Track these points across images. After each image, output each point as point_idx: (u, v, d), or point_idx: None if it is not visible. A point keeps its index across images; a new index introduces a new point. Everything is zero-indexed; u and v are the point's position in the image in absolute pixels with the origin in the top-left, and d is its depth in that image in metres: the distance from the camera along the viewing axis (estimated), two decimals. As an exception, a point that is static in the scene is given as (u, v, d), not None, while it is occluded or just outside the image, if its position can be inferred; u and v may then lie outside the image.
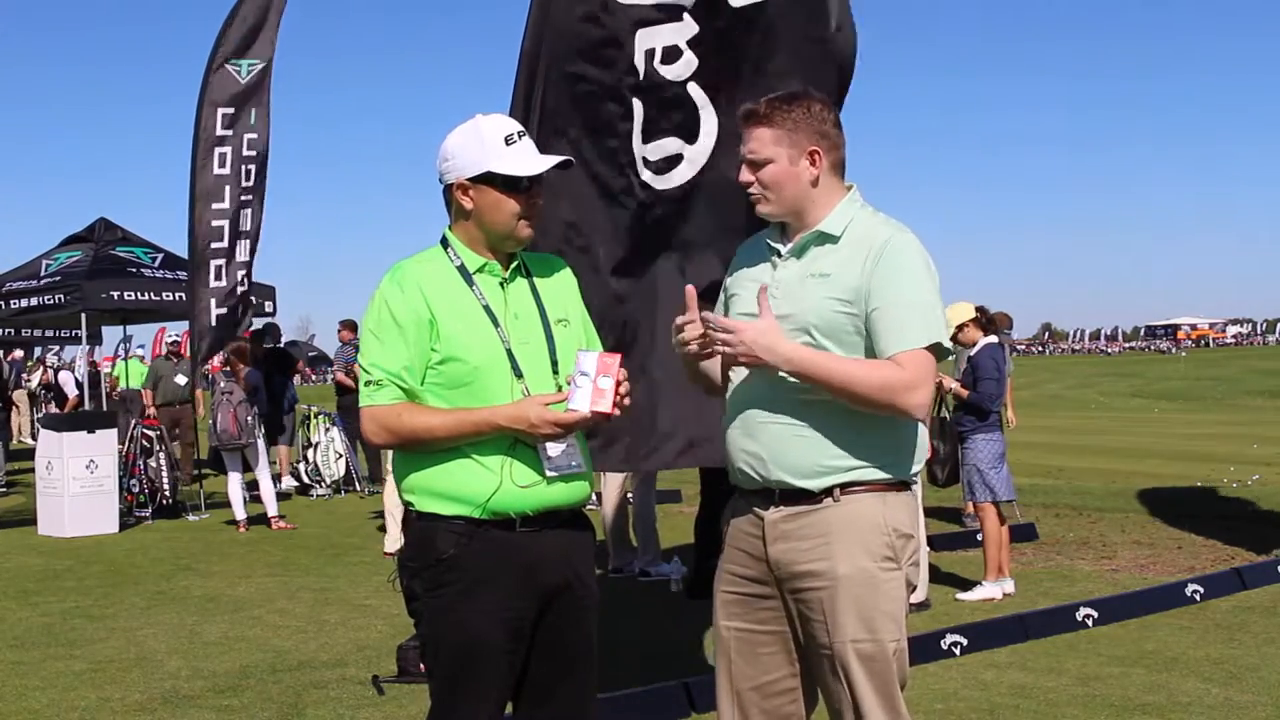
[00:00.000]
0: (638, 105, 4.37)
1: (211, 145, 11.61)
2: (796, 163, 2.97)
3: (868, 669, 2.89)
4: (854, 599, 2.89)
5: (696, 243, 4.39)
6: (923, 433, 3.08)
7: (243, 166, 11.76)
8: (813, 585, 2.93)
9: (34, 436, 19.55)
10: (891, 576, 2.93)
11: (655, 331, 4.35)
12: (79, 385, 18.42)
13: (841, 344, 2.92)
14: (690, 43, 4.38)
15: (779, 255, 3.05)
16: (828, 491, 2.94)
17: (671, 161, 4.39)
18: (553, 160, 3.01)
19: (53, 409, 18.27)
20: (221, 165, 11.64)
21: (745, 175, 3.04)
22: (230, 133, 11.66)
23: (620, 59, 4.33)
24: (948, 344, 2.96)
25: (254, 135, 11.77)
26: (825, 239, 2.99)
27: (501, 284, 3.01)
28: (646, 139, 4.40)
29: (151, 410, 13.65)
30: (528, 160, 2.95)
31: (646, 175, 4.40)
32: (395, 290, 2.94)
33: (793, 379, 2.92)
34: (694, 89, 4.41)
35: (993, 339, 7.80)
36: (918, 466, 3.07)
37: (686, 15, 4.37)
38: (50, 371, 20.59)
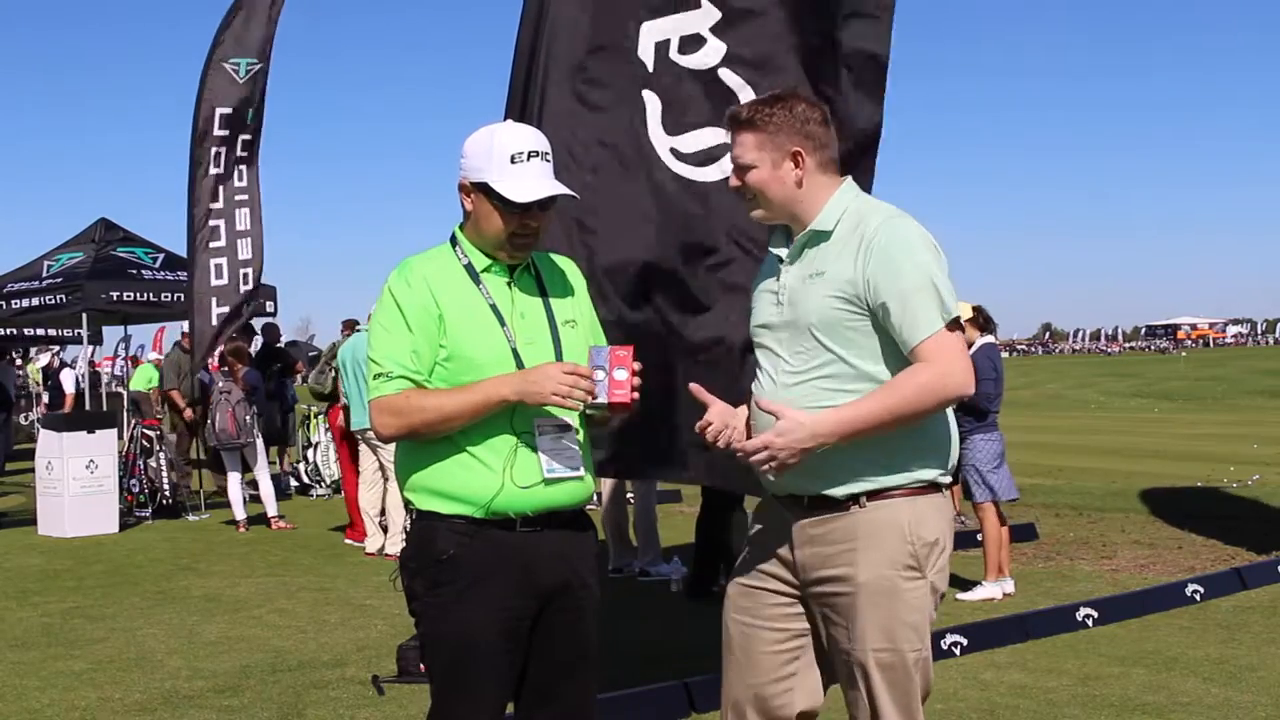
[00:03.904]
0: (650, 97, 4.32)
1: (209, 144, 11.61)
2: (779, 166, 2.96)
3: (887, 678, 2.88)
4: (875, 607, 2.88)
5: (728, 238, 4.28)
6: (954, 430, 3.04)
7: (238, 166, 11.75)
8: (836, 590, 2.93)
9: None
10: (914, 585, 2.91)
11: (667, 337, 4.29)
12: (78, 383, 18.33)
13: (840, 339, 2.90)
14: (714, 29, 4.33)
15: (781, 261, 3.04)
16: (854, 498, 2.92)
17: (713, 153, 4.29)
18: (548, 191, 2.92)
19: (46, 402, 18.16)
20: (218, 164, 11.63)
21: (734, 180, 3.05)
22: (227, 132, 11.65)
23: (621, 52, 4.29)
24: (957, 311, 2.90)
25: (248, 136, 11.77)
26: (819, 237, 2.98)
27: (509, 284, 3.00)
28: (673, 131, 4.33)
29: (186, 410, 13.19)
30: (525, 184, 2.90)
31: (681, 168, 4.32)
32: (403, 285, 2.93)
33: (813, 386, 2.91)
34: (727, 75, 4.34)
35: (990, 339, 7.79)
36: (949, 464, 3.01)
37: (705, 2, 4.33)
38: (57, 360, 20.46)
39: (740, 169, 3.01)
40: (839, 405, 2.87)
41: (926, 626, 2.94)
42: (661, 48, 4.32)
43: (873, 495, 2.92)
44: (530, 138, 2.99)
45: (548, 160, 2.96)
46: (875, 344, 2.90)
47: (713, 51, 4.33)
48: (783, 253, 3.05)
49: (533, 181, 2.91)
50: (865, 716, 2.92)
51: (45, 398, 18.41)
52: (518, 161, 2.90)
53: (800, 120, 2.96)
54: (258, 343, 15.03)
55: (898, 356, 2.90)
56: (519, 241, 2.95)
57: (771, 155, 2.96)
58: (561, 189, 2.98)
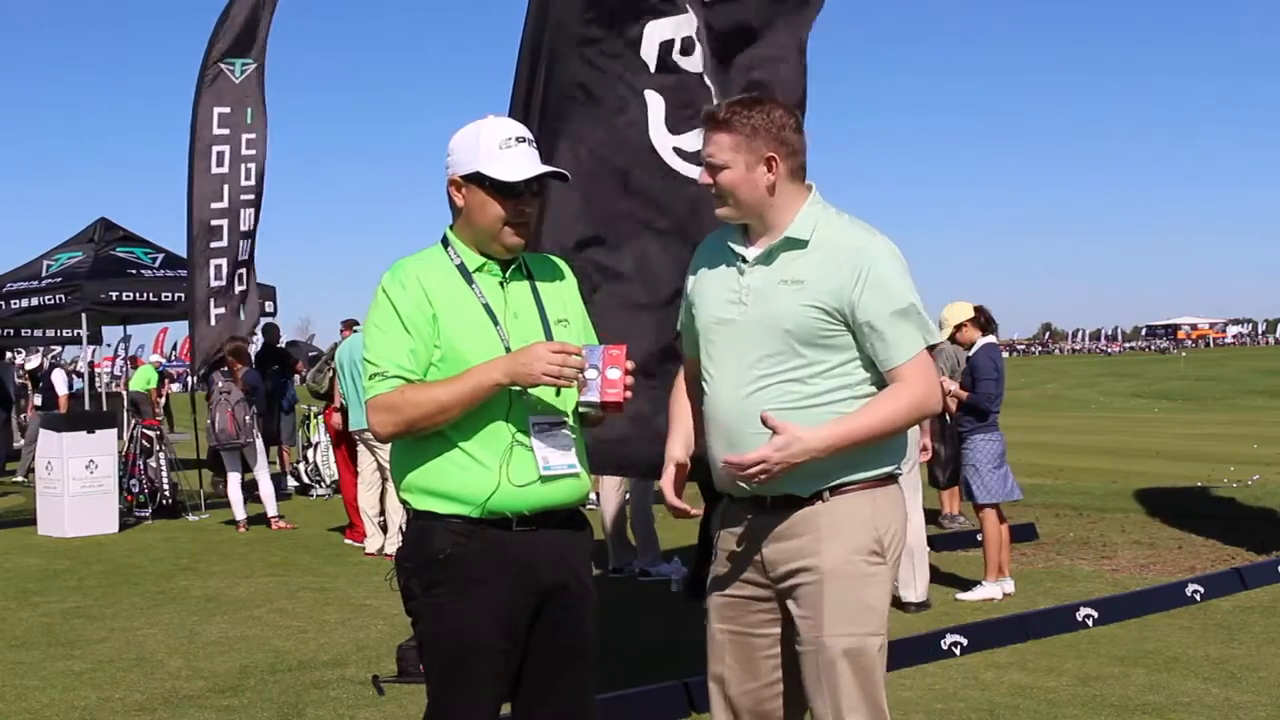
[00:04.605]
0: (653, 98, 4.34)
1: (209, 144, 11.61)
2: (753, 169, 2.98)
3: (852, 664, 2.92)
4: (839, 593, 2.93)
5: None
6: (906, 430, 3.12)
7: (242, 165, 11.75)
8: (801, 581, 2.97)
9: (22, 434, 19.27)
10: (878, 571, 2.97)
11: (658, 331, 4.30)
12: (70, 383, 18.23)
13: (813, 346, 2.95)
14: (698, 34, 4.38)
15: (744, 261, 3.05)
16: (817, 494, 2.98)
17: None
18: (539, 169, 2.96)
19: (36, 403, 17.98)
20: (220, 164, 11.64)
21: (704, 178, 3.06)
22: (227, 132, 11.66)
23: (626, 52, 4.31)
24: (936, 336, 3.05)
25: (252, 135, 11.76)
26: (794, 244, 3.00)
27: (501, 283, 3.00)
28: (676, 130, 4.36)
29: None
30: (517, 166, 2.93)
31: (682, 166, 4.35)
32: (397, 286, 2.94)
33: (782, 389, 2.94)
34: (709, 80, 4.40)
35: (991, 339, 7.78)
36: (907, 461, 3.11)
37: (689, 7, 4.37)
38: (47, 361, 20.15)
39: (713, 168, 3.03)
40: (831, 420, 2.92)
41: (887, 614, 3.01)
42: (666, 47, 4.35)
43: (834, 490, 2.98)
44: (516, 126, 3.03)
45: (533, 146, 3.00)
46: (846, 354, 2.97)
47: (699, 57, 4.38)
48: (744, 251, 3.06)
49: (524, 164, 2.95)
50: (830, 706, 2.93)
51: (37, 400, 18.27)
52: (505, 147, 2.94)
53: (777, 126, 2.99)
54: (257, 343, 15.03)
55: (867, 365, 2.98)
56: (516, 229, 2.96)
57: (746, 158, 2.98)
58: (551, 168, 3.02)
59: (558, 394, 2.96)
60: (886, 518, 3.01)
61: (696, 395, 3.17)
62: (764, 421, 2.90)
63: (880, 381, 2.99)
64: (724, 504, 3.17)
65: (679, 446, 3.18)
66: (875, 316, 2.93)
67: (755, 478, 2.90)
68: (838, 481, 2.97)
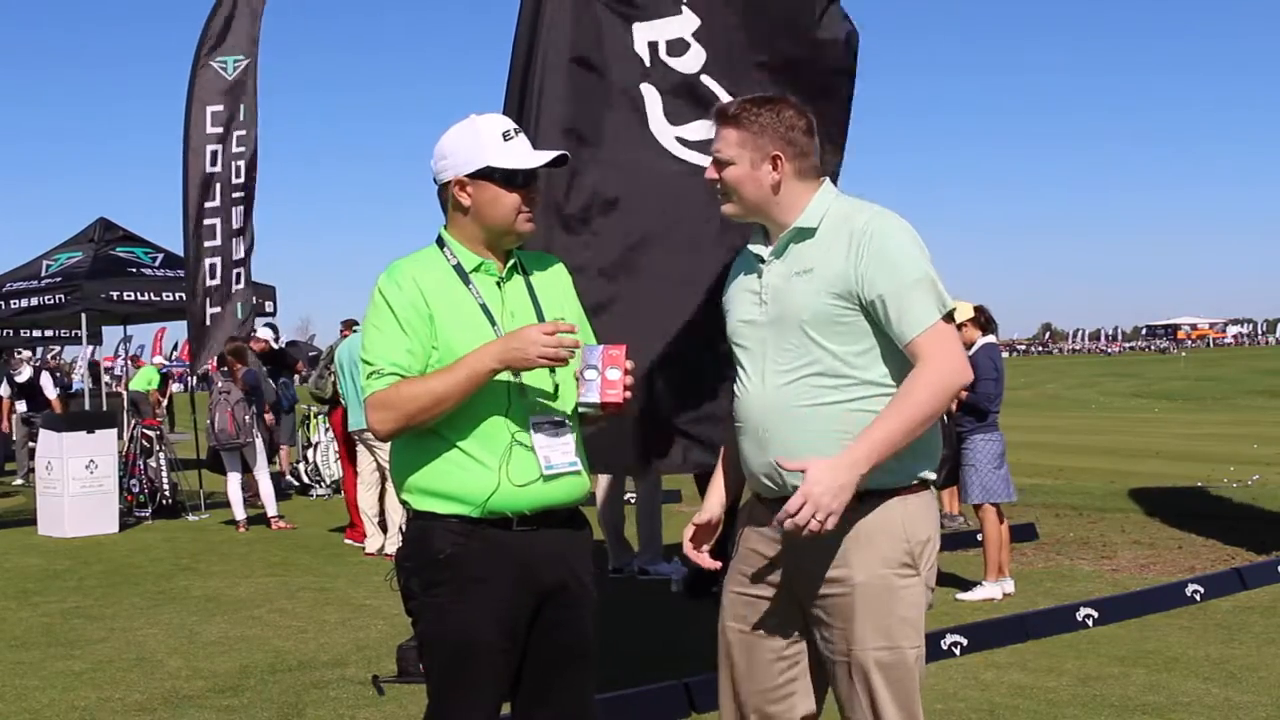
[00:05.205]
0: (649, 90, 4.34)
1: (202, 143, 11.57)
2: (758, 167, 2.97)
3: (887, 677, 2.88)
4: (872, 607, 2.88)
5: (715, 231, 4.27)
6: (938, 430, 3.02)
7: (233, 163, 11.70)
8: (830, 592, 2.92)
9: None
10: (910, 583, 2.92)
11: (661, 327, 4.30)
12: (59, 385, 18.10)
13: (831, 335, 2.89)
14: (695, 35, 4.36)
15: (763, 260, 3.04)
16: None
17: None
18: (551, 154, 3.01)
19: (22, 407, 17.82)
20: (214, 163, 11.58)
21: (711, 173, 3.06)
22: (220, 130, 11.61)
23: (620, 49, 4.31)
24: (951, 303, 2.92)
25: (243, 132, 11.71)
26: (803, 234, 2.98)
27: (498, 283, 3.00)
28: (677, 121, 4.35)
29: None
30: (526, 155, 2.96)
31: (688, 154, 4.33)
32: (393, 287, 2.94)
33: (805, 384, 2.90)
34: (709, 81, 4.37)
35: (991, 339, 7.79)
36: (937, 462, 3.03)
37: (685, 9, 4.36)
38: (30, 368, 19.83)
39: (719, 163, 3.03)
40: (860, 432, 2.81)
41: (923, 623, 2.95)
42: (653, 47, 4.35)
43: (864, 496, 2.89)
44: (506, 120, 3.06)
45: (526, 136, 3.05)
46: (866, 341, 2.90)
47: (694, 57, 4.36)
48: (763, 251, 3.05)
49: (531, 151, 2.99)
50: (865, 718, 2.91)
51: (21, 406, 18.13)
52: (509, 138, 2.97)
53: (785, 125, 2.97)
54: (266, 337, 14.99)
55: (889, 354, 2.90)
56: (528, 217, 2.98)
57: (751, 155, 2.97)
58: (557, 152, 3.06)
59: (556, 393, 2.96)
60: (918, 526, 2.93)
61: (729, 398, 3.13)
62: (780, 466, 2.84)
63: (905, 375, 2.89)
64: (750, 502, 3.13)
65: (715, 501, 3.17)
66: (884, 290, 2.84)
67: (814, 522, 2.73)
68: (868, 487, 2.86)
